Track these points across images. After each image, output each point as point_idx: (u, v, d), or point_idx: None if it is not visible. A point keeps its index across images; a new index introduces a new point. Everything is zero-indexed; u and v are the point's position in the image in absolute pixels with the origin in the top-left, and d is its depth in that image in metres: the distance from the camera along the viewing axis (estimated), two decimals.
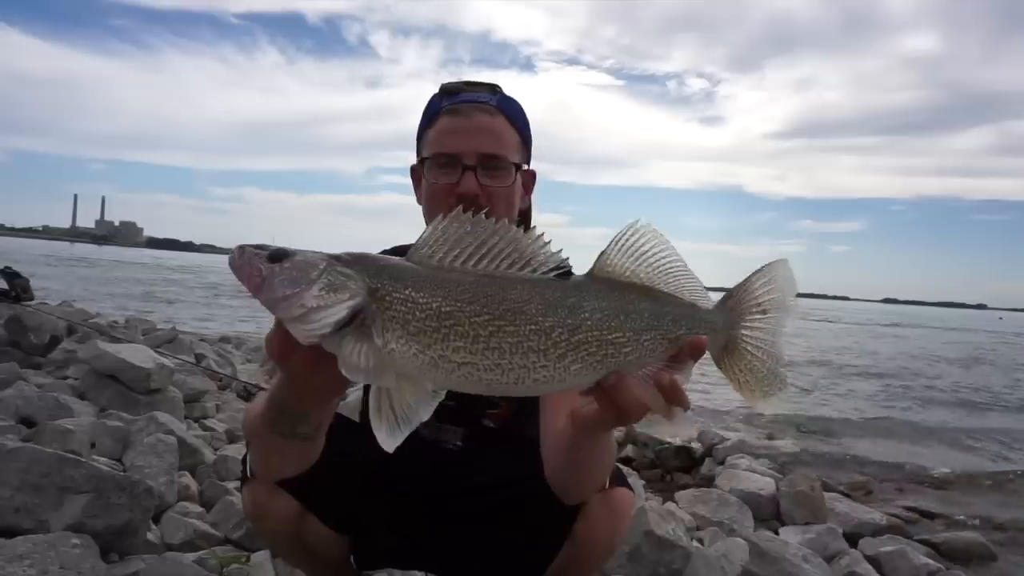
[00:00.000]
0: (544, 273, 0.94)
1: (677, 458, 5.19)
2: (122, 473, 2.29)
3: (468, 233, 0.93)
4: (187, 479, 2.88)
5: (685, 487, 4.28)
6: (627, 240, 0.99)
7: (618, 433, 4.95)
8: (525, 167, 1.67)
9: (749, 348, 1.04)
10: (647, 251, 0.99)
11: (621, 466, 1.89)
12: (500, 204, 1.55)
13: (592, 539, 1.57)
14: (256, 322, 12.90)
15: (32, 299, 5.51)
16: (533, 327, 0.91)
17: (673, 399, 0.98)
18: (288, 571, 2.14)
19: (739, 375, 1.04)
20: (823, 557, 3.03)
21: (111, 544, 2.07)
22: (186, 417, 3.92)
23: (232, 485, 2.82)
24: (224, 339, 8.74)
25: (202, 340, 7.35)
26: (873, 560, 3.27)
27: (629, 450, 5.22)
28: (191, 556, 2.24)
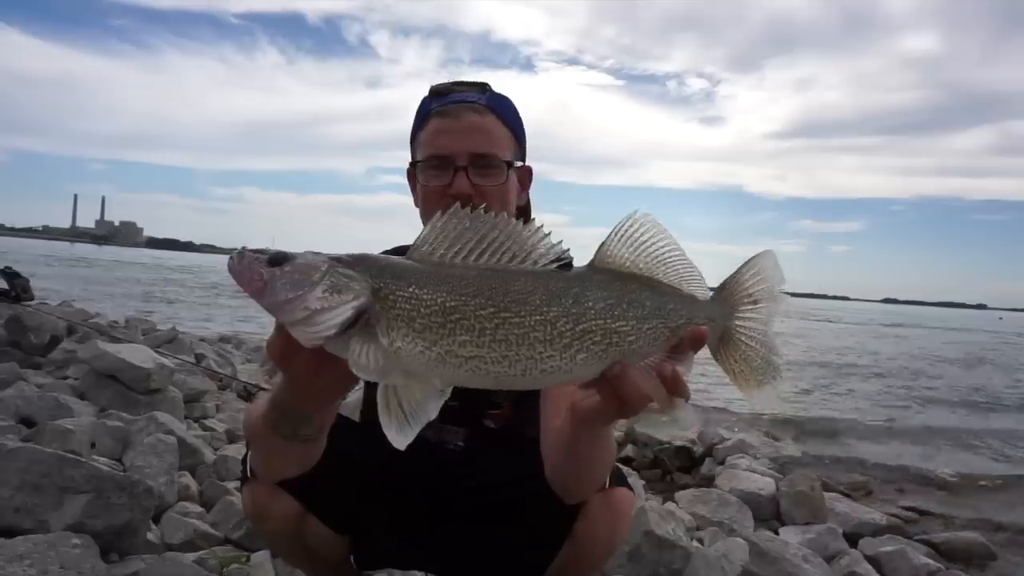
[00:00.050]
0: (545, 265, 0.95)
1: (677, 458, 5.18)
2: (122, 473, 2.29)
3: (467, 228, 0.93)
4: (187, 479, 2.88)
5: (685, 487, 4.28)
6: (627, 230, 0.99)
7: (618, 433, 4.96)
8: (519, 164, 1.67)
9: (743, 338, 1.05)
10: (647, 241, 1.00)
11: (621, 466, 1.89)
12: (494, 203, 1.55)
13: (592, 539, 1.57)
14: (256, 322, 12.90)
15: (32, 299, 5.51)
16: (538, 317, 0.91)
17: (675, 390, 0.98)
18: (288, 571, 2.14)
19: (734, 366, 1.05)
20: (823, 557, 3.02)
21: (111, 544, 2.07)
22: (186, 417, 3.92)
23: (232, 485, 2.82)
24: (224, 339, 8.74)
25: (202, 340, 7.34)
26: (873, 560, 3.27)
27: (629, 450, 5.21)
28: (191, 556, 2.24)
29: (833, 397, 11.06)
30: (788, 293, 1.07)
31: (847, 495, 4.83)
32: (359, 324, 0.88)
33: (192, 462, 3.05)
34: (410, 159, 1.68)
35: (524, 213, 1.77)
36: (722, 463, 5.12)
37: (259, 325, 11.97)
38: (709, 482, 4.62)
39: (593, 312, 0.94)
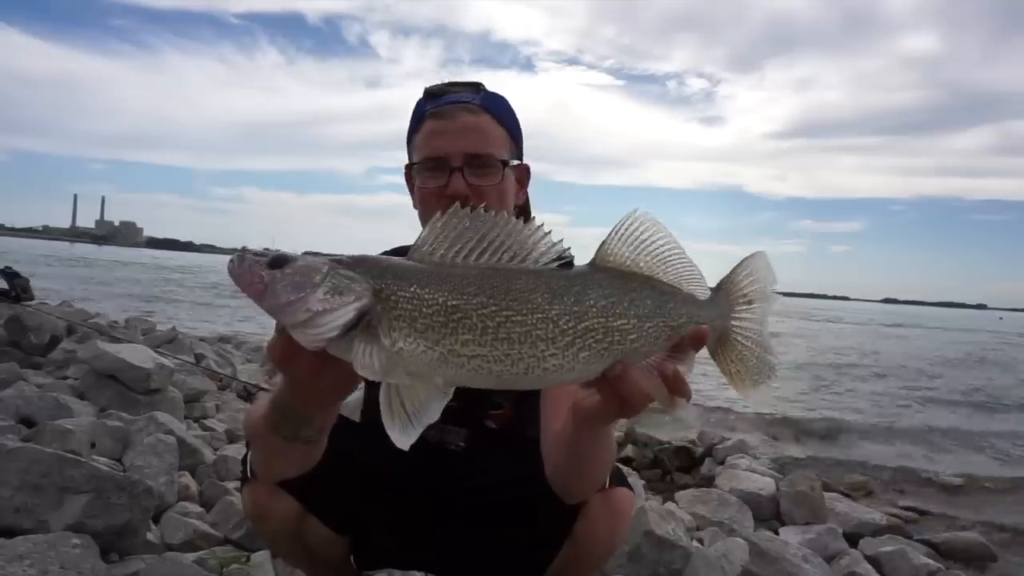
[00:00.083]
0: (546, 263, 0.95)
1: (677, 458, 5.19)
2: (122, 473, 2.29)
3: (468, 228, 0.93)
4: (187, 479, 2.88)
5: (685, 487, 4.28)
6: (627, 229, 0.99)
7: (618, 433, 4.96)
8: (516, 162, 1.67)
9: (739, 338, 1.05)
10: (647, 240, 1.00)
11: (621, 466, 1.89)
12: (492, 202, 1.55)
13: (592, 539, 1.57)
14: (256, 322, 12.90)
15: (32, 299, 5.51)
16: (540, 315, 0.91)
17: (676, 389, 0.98)
18: (288, 571, 2.14)
19: (730, 366, 1.05)
20: (823, 557, 3.03)
21: (111, 544, 2.07)
22: (186, 417, 3.92)
23: (232, 485, 2.82)
24: (224, 339, 8.74)
25: (202, 340, 7.35)
26: (873, 560, 3.28)
27: (629, 450, 5.22)
28: (191, 556, 2.24)
29: (833, 397, 11.06)
30: (780, 293, 1.08)
31: (847, 495, 4.83)
32: (361, 325, 0.88)
33: (192, 462, 3.05)
34: (407, 161, 1.68)
35: (523, 212, 1.77)
36: (722, 463, 5.12)
37: (259, 325, 11.97)
38: (709, 482, 4.62)
39: (595, 310, 0.94)
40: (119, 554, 2.10)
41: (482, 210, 0.93)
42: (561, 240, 0.96)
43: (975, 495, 5.50)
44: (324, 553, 1.69)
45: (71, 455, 2.19)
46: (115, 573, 1.98)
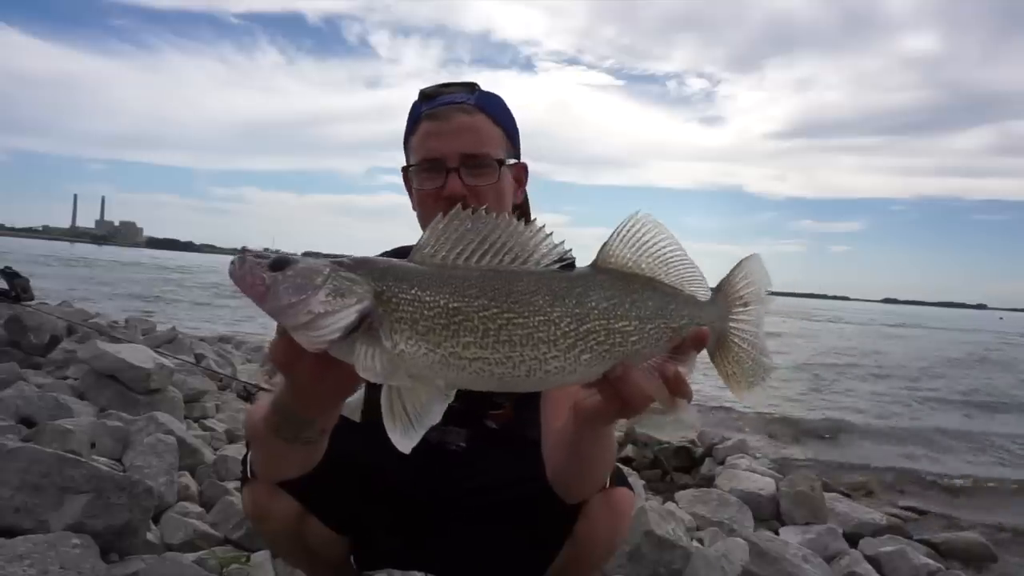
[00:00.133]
0: (548, 265, 0.95)
1: (677, 458, 5.19)
2: (122, 473, 2.29)
3: (469, 230, 0.93)
4: (187, 479, 2.88)
5: (685, 487, 4.28)
6: (629, 231, 0.99)
7: (618, 433, 4.96)
8: (512, 161, 1.67)
9: (736, 340, 1.06)
10: (648, 241, 1.00)
11: (621, 466, 1.89)
12: (489, 202, 1.55)
13: (593, 539, 1.57)
14: (256, 322, 12.90)
15: (32, 299, 5.51)
16: (542, 318, 0.91)
17: (677, 390, 0.98)
18: (288, 571, 2.14)
19: (727, 367, 1.06)
20: (823, 557, 3.03)
21: (111, 544, 2.07)
22: (186, 417, 3.91)
23: (232, 485, 2.82)
24: (224, 339, 8.74)
25: (202, 340, 7.34)
26: (873, 560, 3.28)
27: (629, 450, 5.22)
28: (191, 556, 2.24)
29: (834, 397, 11.06)
30: (775, 294, 1.09)
31: (847, 495, 4.83)
32: (362, 327, 0.88)
33: (192, 462, 3.05)
34: (405, 163, 1.69)
35: (522, 210, 1.77)
36: (722, 463, 5.12)
37: (259, 325, 11.97)
38: (709, 482, 4.62)
39: (596, 312, 0.94)
40: (119, 554, 2.10)
41: (483, 212, 0.93)
42: (563, 241, 0.96)
43: (975, 495, 5.51)
44: (324, 553, 1.69)
45: (71, 455, 2.19)
46: (115, 573, 1.98)
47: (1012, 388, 13.75)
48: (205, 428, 3.85)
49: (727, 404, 7.99)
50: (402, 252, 1.66)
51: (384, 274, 0.90)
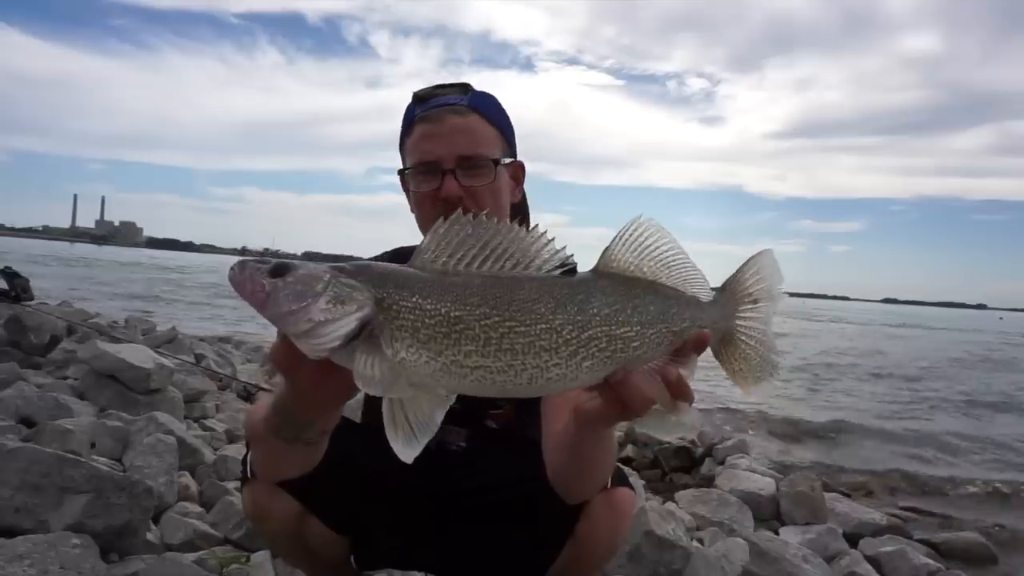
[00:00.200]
0: (549, 271, 0.94)
1: (677, 458, 5.19)
2: (122, 473, 2.29)
3: (470, 235, 0.92)
4: (187, 479, 2.87)
5: (685, 487, 4.28)
6: (630, 235, 0.99)
7: (618, 433, 4.96)
8: (508, 160, 1.67)
9: (743, 338, 1.05)
10: (650, 245, 1.00)
11: (622, 466, 1.89)
12: (486, 202, 1.55)
13: (594, 539, 1.57)
14: (256, 322, 12.90)
15: (32, 299, 5.51)
16: (544, 326, 0.91)
17: (679, 393, 0.98)
18: (288, 571, 2.14)
19: (734, 364, 1.05)
20: (823, 557, 3.03)
21: (111, 544, 2.07)
22: (186, 417, 3.91)
23: (232, 485, 2.82)
24: (224, 339, 8.74)
25: (202, 340, 7.34)
26: (873, 560, 3.28)
27: (629, 450, 5.22)
28: (191, 556, 2.24)
29: (835, 397, 11.06)
30: (786, 292, 1.08)
31: (847, 495, 4.84)
32: (363, 335, 0.87)
33: (192, 462, 3.04)
34: (401, 166, 1.69)
35: (520, 209, 1.77)
36: (722, 463, 5.12)
37: (259, 325, 11.96)
38: (709, 482, 4.62)
39: (598, 319, 0.94)
40: (119, 554, 2.10)
41: (484, 218, 0.93)
42: (564, 247, 0.95)
43: (975, 495, 5.50)
44: (324, 553, 1.69)
45: (71, 455, 2.19)
46: (115, 573, 1.98)
47: (1013, 388, 13.74)
48: (205, 428, 3.85)
49: (727, 404, 8.00)
50: (402, 253, 1.67)
51: (385, 281, 0.90)
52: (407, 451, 0.88)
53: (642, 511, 2.64)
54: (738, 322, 1.05)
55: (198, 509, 2.68)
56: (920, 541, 3.85)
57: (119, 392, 3.71)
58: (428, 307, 0.88)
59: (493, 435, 1.68)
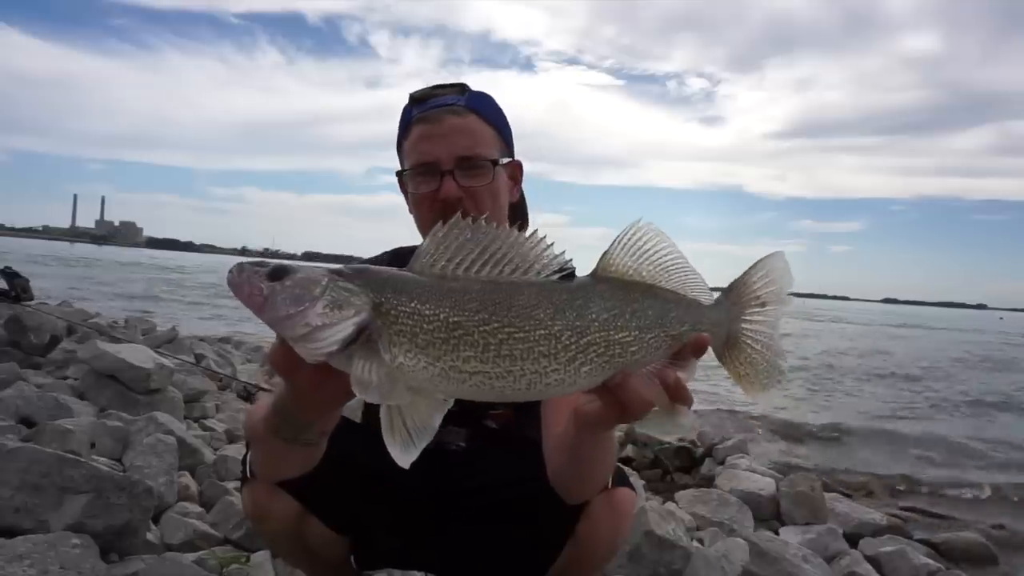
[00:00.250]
0: (548, 275, 0.94)
1: (677, 458, 5.19)
2: (122, 473, 2.29)
3: (469, 240, 0.92)
4: (187, 479, 2.88)
5: (685, 487, 4.28)
6: (629, 239, 0.99)
7: (618, 433, 4.96)
8: (506, 160, 1.66)
9: (749, 342, 1.04)
10: (649, 249, 0.99)
11: (622, 466, 1.90)
12: (485, 203, 1.55)
13: (595, 539, 1.57)
14: (256, 322, 12.86)
15: (32, 299, 5.51)
16: (543, 332, 0.90)
17: (677, 397, 0.98)
18: (288, 571, 2.14)
19: (739, 368, 1.04)
20: (823, 557, 3.03)
21: (111, 544, 2.07)
22: (186, 417, 3.92)
23: (232, 485, 2.82)
24: (224, 339, 8.73)
25: (202, 340, 7.34)
26: (873, 560, 3.27)
27: (629, 450, 5.22)
28: (191, 556, 2.24)
29: (835, 397, 11.06)
30: (794, 294, 1.06)
31: (847, 495, 4.83)
32: (360, 340, 0.87)
33: (192, 462, 3.04)
34: (399, 167, 1.69)
35: (519, 209, 1.77)
36: (722, 463, 5.11)
37: (259, 325, 11.86)
38: (709, 482, 4.62)
39: (596, 324, 0.93)
40: (119, 554, 2.10)
41: (483, 222, 0.92)
42: (563, 252, 0.95)
43: (976, 496, 5.50)
44: (324, 553, 1.69)
45: (71, 455, 2.19)
46: (115, 573, 1.98)
47: (1013, 388, 13.73)
48: (205, 428, 3.85)
49: (727, 404, 8.00)
50: (401, 253, 1.67)
51: (383, 285, 0.89)
52: (404, 456, 0.88)
53: (642, 511, 2.64)
54: (744, 325, 1.04)
55: (198, 509, 2.68)
56: (920, 541, 3.85)
57: (119, 392, 3.71)
58: (426, 312, 0.88)
59: (493, 435, 1.68)
